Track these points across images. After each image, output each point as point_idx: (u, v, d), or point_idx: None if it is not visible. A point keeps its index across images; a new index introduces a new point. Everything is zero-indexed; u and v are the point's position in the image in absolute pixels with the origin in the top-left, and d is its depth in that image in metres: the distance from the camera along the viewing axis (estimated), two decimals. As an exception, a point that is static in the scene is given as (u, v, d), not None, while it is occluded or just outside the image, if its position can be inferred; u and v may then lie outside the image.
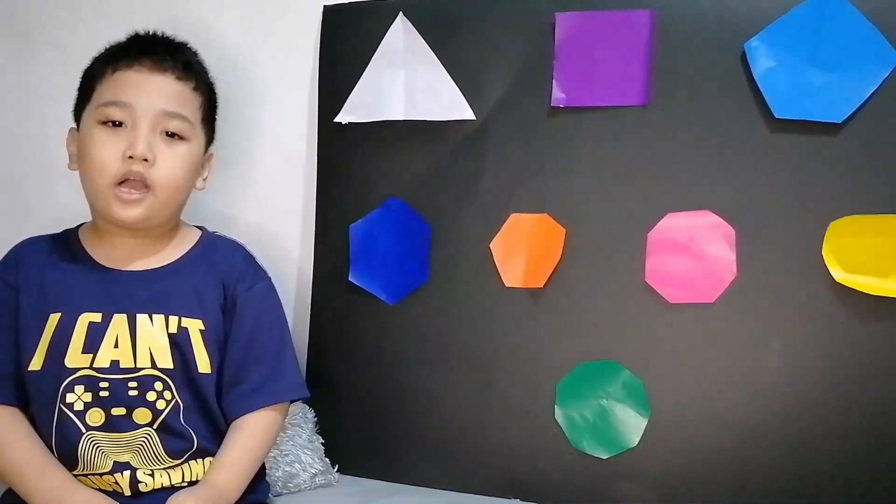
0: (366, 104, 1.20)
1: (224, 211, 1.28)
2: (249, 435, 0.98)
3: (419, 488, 1.18)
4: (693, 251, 1.09)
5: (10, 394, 0.95)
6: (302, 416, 1.20)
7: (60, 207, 1.31)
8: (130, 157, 0.94)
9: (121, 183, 0.95)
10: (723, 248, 1.08)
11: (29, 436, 0.93)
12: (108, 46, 1.04)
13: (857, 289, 1.02)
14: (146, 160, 0.95)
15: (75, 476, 0.93)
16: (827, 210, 1.04)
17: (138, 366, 0.95)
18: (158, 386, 0.95)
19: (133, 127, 0.96)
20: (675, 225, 1.10)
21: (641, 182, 1.11)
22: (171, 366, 0.96)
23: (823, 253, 1.03)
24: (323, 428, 1.22)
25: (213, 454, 0.97)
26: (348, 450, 1.22)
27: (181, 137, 0.99)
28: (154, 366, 0.95)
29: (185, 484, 0.95)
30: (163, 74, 0.98)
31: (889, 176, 1.02)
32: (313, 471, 1.15)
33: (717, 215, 1.08)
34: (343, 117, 1.21)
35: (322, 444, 1.20)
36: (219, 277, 1.02)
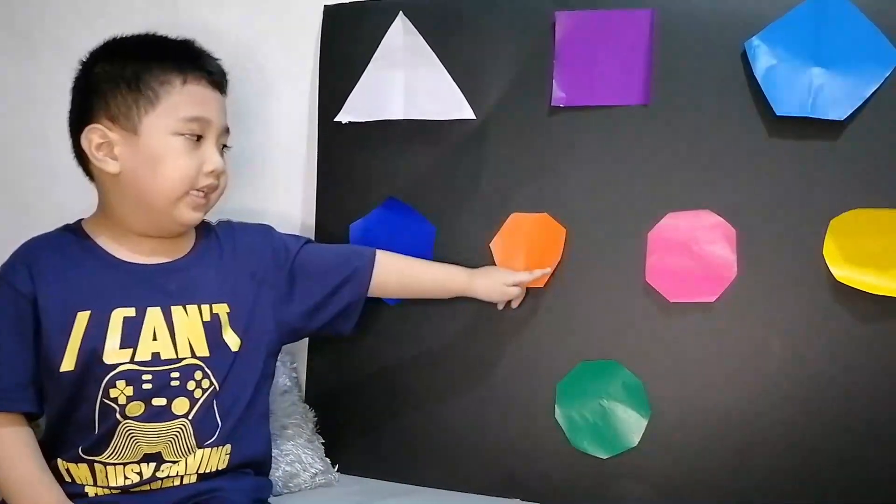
0: (366, 104, 1.20)
1: (224, 210, 1.28)
2: None
3: (420, 488, 1.18)
4: (693, 251, 1.09)
5: (27, 401, 0.95)
6: (302, 417, 1.20)
7: (60, 207, 1.31)
8: (210, 172, 1.00)
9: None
10: (723, 247, 1.08)
11: (27, 451, 0.94)
12: (142, 39, 1.03)
13: (858, 287, 1.02)
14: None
15: (100, 461, 0.95)
16: (828, 209, 1.04)
17: (180, 356, 0.98)
18: (198, 375, 0.98)
19: (205, 141, 1.00)
20: (676, 224, 1.10)
21: (642, 181, 1.11)
22: (207, 353, 0.99)
23: (825, 249, 1.03)
24: (323, 428, 1.23)
25: (231, 443, 1.00)
26: (349, 449, 1.22)
27: (225, 147, 1.06)
28: (193, 355, 0.98)
29: (195, 476, 0.98)
30: (219, 91, 1.04)
31: (890, 175, 1.02)
32: (314, 470, 1.15)
33: (718, 215, 1.08)
34: (343, 117, 1.21)
35: (322, 443, 1.21)
36: (248, 258, 1.07)
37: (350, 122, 1.21)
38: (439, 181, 1.19)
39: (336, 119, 1.21)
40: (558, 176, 1.14)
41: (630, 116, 1.11)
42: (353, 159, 1.23)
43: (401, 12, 1.19)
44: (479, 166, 1.17)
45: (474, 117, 1.17)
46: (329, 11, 1.25)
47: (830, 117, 1.02)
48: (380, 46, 1.20)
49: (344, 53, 1.23)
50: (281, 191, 1.27)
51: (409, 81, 1.18)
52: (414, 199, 1.20)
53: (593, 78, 1.12)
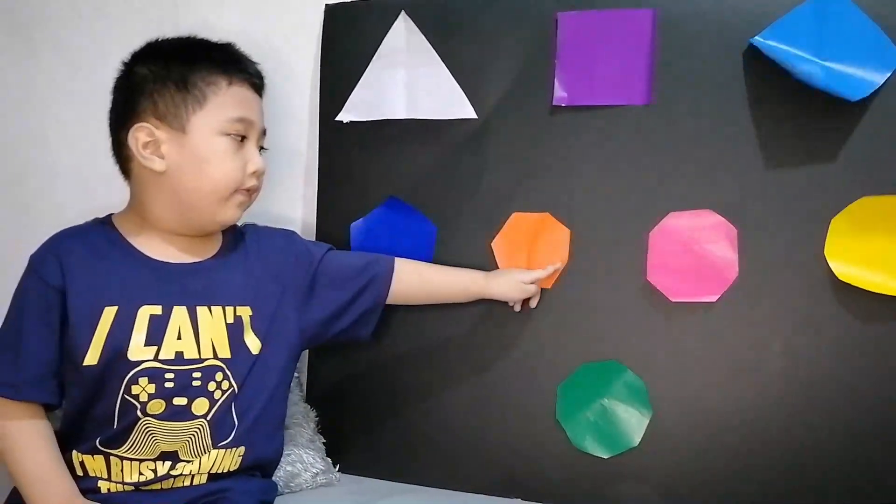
0: (367, 103, 1.20)
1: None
2: None
3: (421, 488, 1.18)
4: (695, 250, 1.09)
5: (46, 392, 0.96)
6: (303, 416, 1.20)
7: (60, 207, 1.31)
8: (253, 173, 1.02)
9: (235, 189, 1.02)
10: (725, 247, 1.08)
11: (44, 443, 0.94)
12: (185, 41, 1.04)
13: (860, 285, 1.02)
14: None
15: (117, 455, 0.95)
16: (829, 209, 1.04)
17: (202, 356, 0.98)
18: (219, 376, 0.99)
19: (248, 142, 1.02)
20: (677, 224, 1.10)
21: (643, 181, 1.11)
22: (229, 355, 1.00)
23: (826, 248, 1.03)
24: (324, 428, 1.22)
25: (245, 445, 1.00)
26: (350, 449, 1.22)
27: (262, 148, 1.07)
28: (216, 356, 0.99)
29: (206, 476, 0.98)
30: (259, 94, 1.06)
31: (891, 175, 1.02)
32: (315, 470, 1.15)
33: (719, 215, 1.08)
34: (344, 116, 1.21)
35: (323, 443, 1.20)
36: (272, 262, 1.08)
37: (351, 121, 1.21)
38: (440, 181, 1.19)
39: (337, 118, 1.21)
40: (559, 175, 1.14)
41: (631, 116, 1.11)
42: (354, 159, 1.23)
43: (403, 11, 1.18)
44: (480, 166, 1.17)
45: (476, 117, 1.16)
46: (330, 11, 1.25)
47: (831, 118, 1.02)
48: (381, 45, 1.20)
49: (345, 53, 1.23)
50: (282, 190, 1.26)
51: (410, 81, 1.18)
52: (415, 199, 1.20)
53: (595, 77, 1.12)
